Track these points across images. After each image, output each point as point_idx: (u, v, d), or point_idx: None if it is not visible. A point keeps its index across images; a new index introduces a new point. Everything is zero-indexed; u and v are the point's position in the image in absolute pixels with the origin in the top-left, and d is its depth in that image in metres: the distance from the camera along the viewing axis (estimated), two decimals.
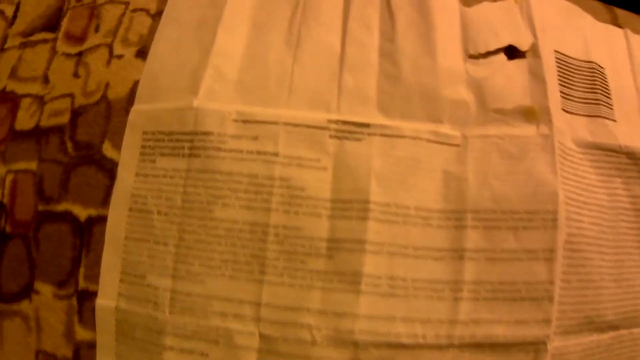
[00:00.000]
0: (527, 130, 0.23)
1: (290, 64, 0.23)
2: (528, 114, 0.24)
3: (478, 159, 0.22)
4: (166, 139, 0.22)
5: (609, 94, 0.27)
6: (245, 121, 0.22)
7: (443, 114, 0.23)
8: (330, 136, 0.22)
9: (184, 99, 0.22)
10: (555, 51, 0.26)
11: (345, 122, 0.22)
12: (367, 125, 0.22)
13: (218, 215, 0.21)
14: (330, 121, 0.22)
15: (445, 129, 0.23)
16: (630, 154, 0.26)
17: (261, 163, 0.21)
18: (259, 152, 0.21)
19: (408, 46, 0.23)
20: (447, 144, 0.22)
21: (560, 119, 0.24)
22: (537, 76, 0.24)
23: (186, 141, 0.22)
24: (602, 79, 0.27)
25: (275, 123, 0.22)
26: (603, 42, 0.28)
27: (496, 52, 0.24)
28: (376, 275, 0.21)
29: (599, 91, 0.26)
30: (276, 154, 0.21)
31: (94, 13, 0.27)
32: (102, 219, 0.24)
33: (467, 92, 0.23)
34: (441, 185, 0.22)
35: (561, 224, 0.22)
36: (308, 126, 0.22)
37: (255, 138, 0.22)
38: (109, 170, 0.24)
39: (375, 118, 0.22)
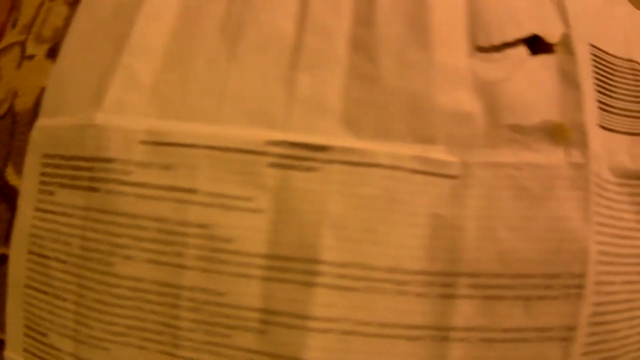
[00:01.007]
0: (554, 157, 0.16)
1: (224, 60, 0.16)
2: (556, 134, 0.16)
3: (484, 198, 0.15)
4: (65, 165, 0.16)
5: None
6: (156, 143, 0.15)
7: (437, 132, 0.15)
8: (270, 164, 0.14)
9: (85, 112, 0.16)
10: (592, 45, 0.18)
11: (292, 144, 0.15)
12: (324, 149, 0.15)
13: (120, 271, 0.15)
14: (270, 142, 0.15)
15: (439, 153, 0.15)
16: None
17: (173, 203, 0.14)
18: (170, 188, 0.15)
19: (392, 34, 0.16)
20: (440, 175, 0.15)
21: (596, 139, 0.17)
22: (569, 79, 0.17)
23: (85, 169, 0.15)
24: None
25: (195, 146, 0.15)
26: None
27: (515, 44, 0.17)
28: None
29: None
30: (193, 191, 0.14)
31: (14, 5, 0.22)
32: (6, 259, 0.19)
33: (473, 100, 0.16)
34: (427, 236, 0.15)
35: (589, 292, 0.15)
36: (238, 150, 0.14)
37: (167, 167, 0.15)
38: (12, 200, 0.19)
39: (338, 137, 0.15)
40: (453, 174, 0.15)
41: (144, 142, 0.15)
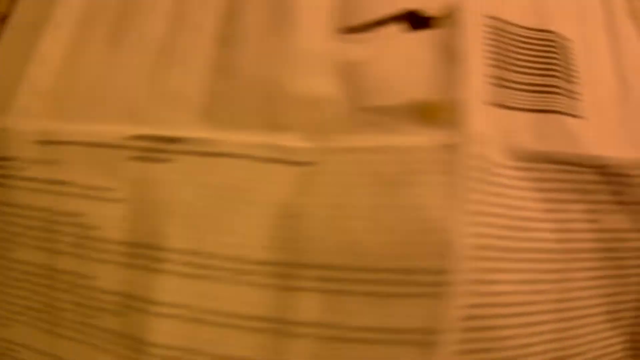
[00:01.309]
0: (420, 139, 0.14)
1: (106, 64, 0.17)
2: (425, 113, 0.15)
3: (335, 185, 0.14)
4: None
5: (574, 78, 0.17)
6: (45, 142, 0.16)
7: (291, 119, 0.15)
8: (130, 157, 0.15)
9: None
10: (490, 17, 0.16)
11: (151, 138, 0.15)
12: (178, 140, 0.15)
13: (15, 256, 0.16)
14: (132, 137, 0.15)
15: (291, 140, 0.15)
16: (601, 168, 0.17)
17: (54, 195, 0.16)
18: (52, 181, 0.16)
19: (252, 21, 0.16)
20: (292, 163, 0.14)
21: (484, 118, 0.15)
22: (449, 54, 0.15)
23: None
24: (564, 58, 0.17)
25: (72, 143, 0.16)
26: (571, 5, 0.17)
27: (386, 22, 0.16)
28: (168, 346, 0.14)
29: (559, 74, 0.17)
30: (69, 183, 0.16)
31: None
32: None
33: (333, 83, 0.15)
34: (272, 225, 0.14)
35: (458, 291, 0.14)
36: (104, 145, 0.15)
37: (52, 163, 0.16)
38: None
39: (193, 129, 0.15)
40: (305, 160, 0.15)
41: (37, 142, 0.17)
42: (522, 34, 0.17)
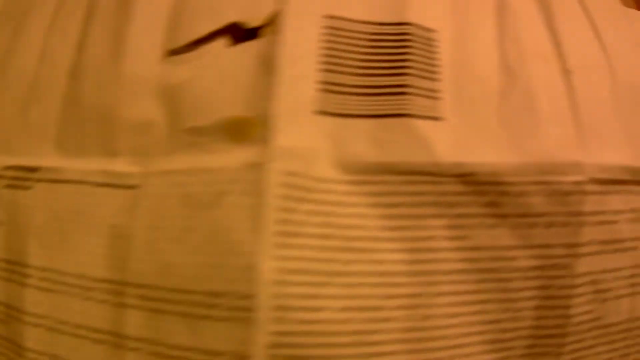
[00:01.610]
0: (231, 158, 0.14)
1: None
2: (238, 131, 0.14)
3: (152, 207, 0.14)
4: None
5: (435, 75, 0.15)
6: None
7: (120, 144, 0.15)
8: (5, 185, 0.16)
9: None
10: (328, 16, 0.15)
11: (17, 167, 0.16)
12: (36, 170, 0.16)
13: None
14: (4, 167, 0.17)
15: (121, 165, 0.15)
16: (465, 177, 0.14)
17: None
18: None
19: (96, 52, 0.16)
20: (121, 187, 0.15)
21: (299, 131, 0.14)
22: (266, 64, 0.14)
23: None
24: (423, 52, 0.15)
25: None
26: None
27: (211, 38, 0.15)
28: (39, 352, 0.15)
29: (412, 71, 0.15)
30: None
31: None
32: None
33: (156, 107, 0.15)
34: (106, 245, 0.14)
35: (264, 318, 0.13)
36: None
37: None
38: None
39: (48, 158, 0.16)
40: (132, 184, 0.15)
41: None
42: (368, 30, 0.15)
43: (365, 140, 0.14)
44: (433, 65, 0.15)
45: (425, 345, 0.14)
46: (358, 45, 0.15)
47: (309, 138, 0.14)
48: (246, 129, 0.14)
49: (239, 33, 0.15)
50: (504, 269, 0.15)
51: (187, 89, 0.14)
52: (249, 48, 0.14)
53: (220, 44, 0.15)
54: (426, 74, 0.15)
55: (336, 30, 0.15)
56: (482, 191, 0.15)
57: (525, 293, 0.15)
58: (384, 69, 0.15)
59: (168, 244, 0.14)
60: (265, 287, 0.13)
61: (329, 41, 0.14)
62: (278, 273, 0.13)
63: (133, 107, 0.15)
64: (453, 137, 0.14)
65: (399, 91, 0.14)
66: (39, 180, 0.16)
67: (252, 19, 0.14)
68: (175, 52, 0.15)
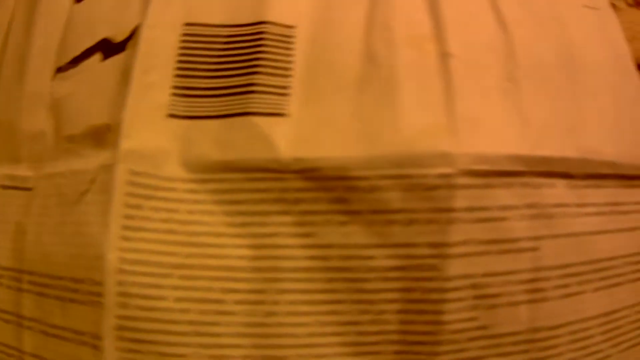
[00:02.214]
0: (92, 161, 0.15)
1: None
2: (99, 137, 0.15)
3: (40, 205, 0.16)
4: None
5: (287, 71, 0.15)
6: None
7: (22, 152, 0.17)
8: None
9: None
10: (187, 24, 0.15)
11: None
12: None
13: None
14: None
15: (22, 170, 0.17)
16: (308, 173, 0.14)
17: None
18: None
19: (7, 71, 0.18)
20: (22, 189, 0.16)
21: (148, 134, 0.14)
22: (125, 75, 0.15)
23: None
24: (277, 49, 0.15)
25: None
26: None
27: (89, 54, 0.16)
28: None
29: (263, 70, 0.15)
30: None
31: None
32: None
33: (47, 119, 0.16)
34: (12, 239, 0.16)
35: (110, 303, 0.14)
36: None
37: None
38: None
39: None
40: (29, 186, 0.16)
41: None
42: (224, 33, 0.15)
43: (210, 140, 0.14)
44: (286, 62, 0.15)
45: (271, 342, 0.14)
46: (214, 49, 0.15)
47: (158, 140, 0.14)
48: (106, 135, 0.15)
49: (109, 48, 0.16)
50: (358, 269, 0.14)
51: (67, 102, 0.16)
52: (116, 61, 0.15)
53: (95, 59, 0.16)
54: (278, 71, 0.15)
55: (193, 37, 0.15)
56: (328, 187, 0.14)
57: (385, 295, 0.14)
58: (235, 69, 0.15)
59: (49, 237, 0.15)
60: (110, 275, 0.14)
61: (185, 47, 0.15)
62: (122, 263, 0.14)
63: (31, 120, 0.17)
64: (297, 132, 0.14)
65: (245, 90, 0.15)
66: None
67: (119, 34, 0.16)
68: (61, 69, 0.17)
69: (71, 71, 0.16)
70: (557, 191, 0.15)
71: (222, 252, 0.14)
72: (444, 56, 0.15)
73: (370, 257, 0.14)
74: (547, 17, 0.17)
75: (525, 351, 0.15)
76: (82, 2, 0.17)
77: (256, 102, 0.14)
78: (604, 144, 0.17)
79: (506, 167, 0.15)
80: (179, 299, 0.14)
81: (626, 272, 0.17)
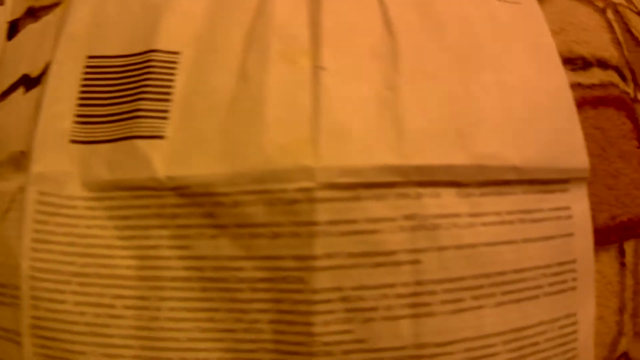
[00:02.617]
0: (13, 183, 0.17)
1: None
2: (17, 161, 0.17)
3: None
4: None
5: (167, 95, 0.16)
6: None
7: None
8: None
9: None
10: (90, 57, 0.17)
11: None
12: None
13: None
14: None
15: None
16: (181, 190, 0.15)
17: None
18: None
19: None
20: None
21: (54, 158, 0.16)
22: (37, 107, 0.17)
23: None
24: (161, 75, 0.16)
25: None
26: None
27: (14, 89, 0.18)
28: None
29: (148, 95, 0.16)
30: None
31: None
32: None
33: None
34: None
35: (25, 304, 0.15)
36: None
37: None
38: None
39: None
40: None
41: None
42: (121, 63, 0.16)
43: (103, 162, 0.16)
44: (167, 87, 0.16)
45: (156, 345, 0.15)
46: (111, 79, 0.16)
47: (62, 164, 0.16)
48: (22, 160, 0.17)
49: (29, 82, 0.18)
50: (229, 279, 0.15)
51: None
52: (33, 94, 0.17)
53: (19, 92, 0.18)
54: (159, 96, 0.16)
55: (95, 69, 0.17)
56: (198, 202, 0.15)
57: (257, 305, 0.15)
58: (126, 96, 0.16)
59: None
60: (25, 281, 0.16)
61: (88, 79, 0.17)
62: (33, 270, 0.16)
63: None
64: (172, 152, 0.15)
65: (132, 115, 0.16)
66: None
67: (35, 70, 0.17)
68: None
69: (1, 104, 0.19)
70: (443, 201, 0.15)
71: (113, 262, 0.15)
72: (316, 69, 0.15)
73: (240, 269, 0.15)
74: (448, 18, 0.16)
75: None
76: (11, 41, 0.19)
77: (139, 126, 0.15)
78: (506, 148, 0.15)
79: (376, 178, 0.14)
80: (77, 303, 0.15)
81: (542, 284, 0.16)
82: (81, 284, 0.16)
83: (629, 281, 0.18)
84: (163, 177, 0.15)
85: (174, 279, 0.15)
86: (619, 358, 0.18)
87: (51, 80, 0.17)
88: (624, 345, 0.18)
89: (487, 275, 0.15)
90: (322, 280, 0.14)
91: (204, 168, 0.15)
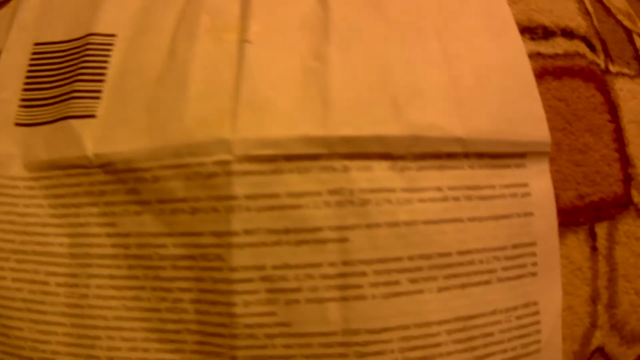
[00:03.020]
0: None
1: None
2: None
3: None
4: None
5: (101, 76, 0.16)
6: None
7: None
8: None
9: None
10: (37, 43, 0.17)
11: None
12: None
13: None
14: None
15: None
16: (107, 167, 0.15)
17: None
18: None
19: None
20: None
21: (9, 139, 0.16)
22: None
23: None
24: (96, 57, 0.16)
25: None
26: None
27: None
28: None
29: (86, 77, 0.16)
30: None
31: None
32: None
33: None
34: None
35: None
36: None
37: None
38: None
39: None
40: None
41: None
42: (63, 48, 0.17)
43: (42, 143, 0.16)
44: (101, 68, 0.16)
45: (86, 322, 0.15)
46: (54, 63, 0.17)
47: (7, 146, 0.16)
48: None
49: None
50: (153, 257, 0.14)
51: None
52: None
53: None
54: (94, 77, 0.16)
55: (40, 54, 0.17)
56: (122, 179, 0.14)
57: (179, 283, 0.14)
58: (65, 79, 0.16)
59: None
60: None
61: (33, 65, 0.17)
62: None
63: None
64: (101, 131, 0.15)
65: (69, 96, 0.16)
66: None
67: None
68: None
69: None
70: (374, 175, 0.13)
71: (47, 240, 0.15)
72: (242, 43, 0.14)
73: (162, 246, 0.14)
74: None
75: (342, 355, 0.13)
76: None
77: (74, 106, 0.15)
78: (448, 118, 0.14)
79: (298, 150, 0.13)
80: (15, 279, 0.15)
81: (494, 268, 0.14)
82: (19, 261, 0.16)
83: (603, 268, 0.16)
84: (91, 155, 0.15)
85: (102, 256, 0.15)
86: (593, 353, 0.16)
87: (0, 69, 0.17)
88: (598, 338, 0.16)
89: (426, 257, 0.14)
90: (241, 257, 0.13)
91: (127, 144, 0.14)
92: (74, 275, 0.15)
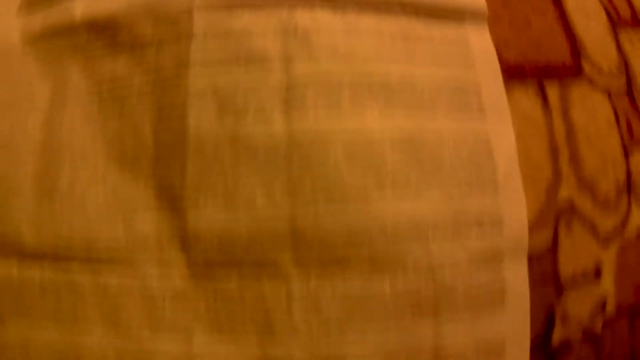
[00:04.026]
0: None
1: None
2: None
3: None
4: None
5: None
6: None
7: None
8: None
9: None
10: None
11: None
12: None
13: None
14: None
15: None
16: (92, 28, 0.16)
17: None
18: None
19: None
20: None
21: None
22: None
23: None
24: None
25: None
26: None
27: None
28: None
29: None
30: None
31: None
32: None
33: None
34: None
35: None
36: None
37: None
38: None
39: None
40: None
41: None
42: None
43: (39, 18, 0.17)
44: None
45: (53, 157, 0.15)
46: None
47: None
48: None
49: None
50: (120, 91, 0.15)
51: None
52: None
53: None
54: None
55: None
56: (103, 32, 0.16)
57: (141, 108, 0.15)
58: None
59: None
60: None
61: None
62: None
63: None
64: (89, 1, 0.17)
65: None
66: None
67: None
68: None
69: None
70: (317, 15, 0.15)
71: (31, 89, 0.16)
72: None
73: (130, 83, 0.15)
74: None
75: (286, 166, 0.13)
76: None
77: None
78: None
79: None
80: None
81: (438, 99, 0.14)
82: (3, 109, 0.17)
83: (559, 124, 0.15)
84: (78, 18, 0.16)
85: (76, 97, 0.16)
86: (563, 205, 0.14)
87: None
88: (566, 190, 0.14)
89: (367, 82, 0.14)
90: (196, 78, 0.14)
91: (110, 2, 0.16)
92: (50, 117, 0.16)
